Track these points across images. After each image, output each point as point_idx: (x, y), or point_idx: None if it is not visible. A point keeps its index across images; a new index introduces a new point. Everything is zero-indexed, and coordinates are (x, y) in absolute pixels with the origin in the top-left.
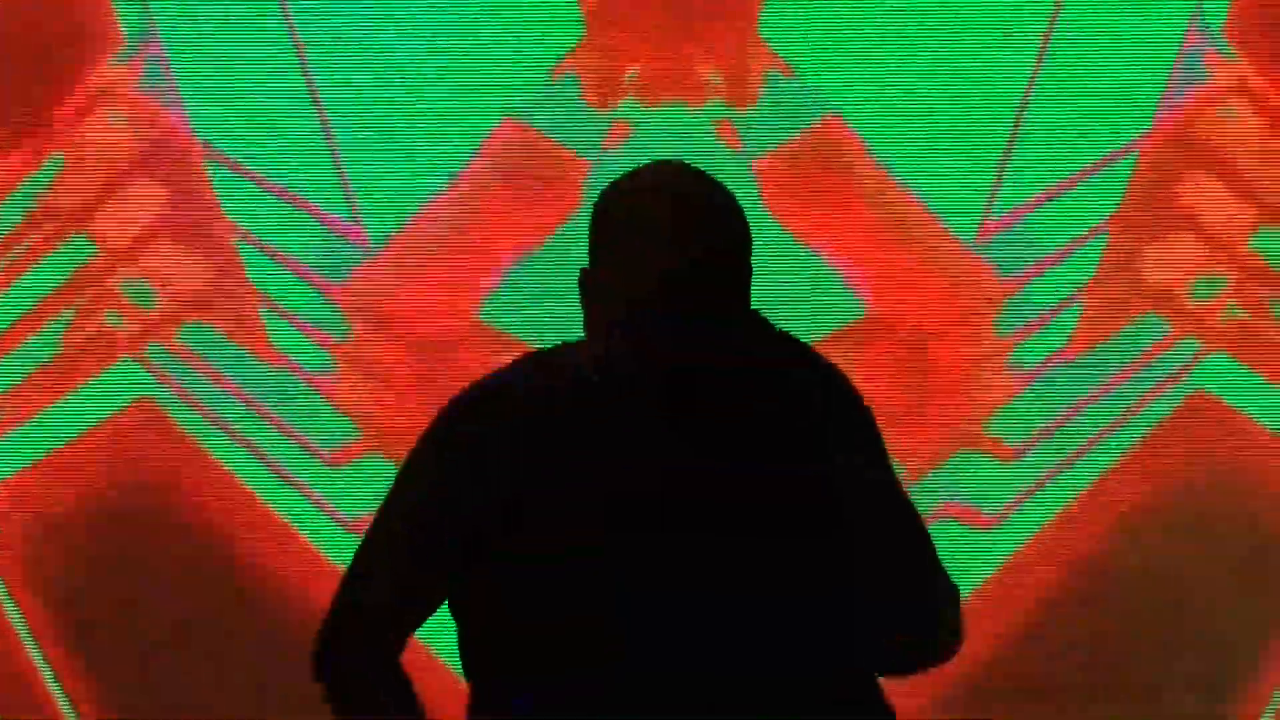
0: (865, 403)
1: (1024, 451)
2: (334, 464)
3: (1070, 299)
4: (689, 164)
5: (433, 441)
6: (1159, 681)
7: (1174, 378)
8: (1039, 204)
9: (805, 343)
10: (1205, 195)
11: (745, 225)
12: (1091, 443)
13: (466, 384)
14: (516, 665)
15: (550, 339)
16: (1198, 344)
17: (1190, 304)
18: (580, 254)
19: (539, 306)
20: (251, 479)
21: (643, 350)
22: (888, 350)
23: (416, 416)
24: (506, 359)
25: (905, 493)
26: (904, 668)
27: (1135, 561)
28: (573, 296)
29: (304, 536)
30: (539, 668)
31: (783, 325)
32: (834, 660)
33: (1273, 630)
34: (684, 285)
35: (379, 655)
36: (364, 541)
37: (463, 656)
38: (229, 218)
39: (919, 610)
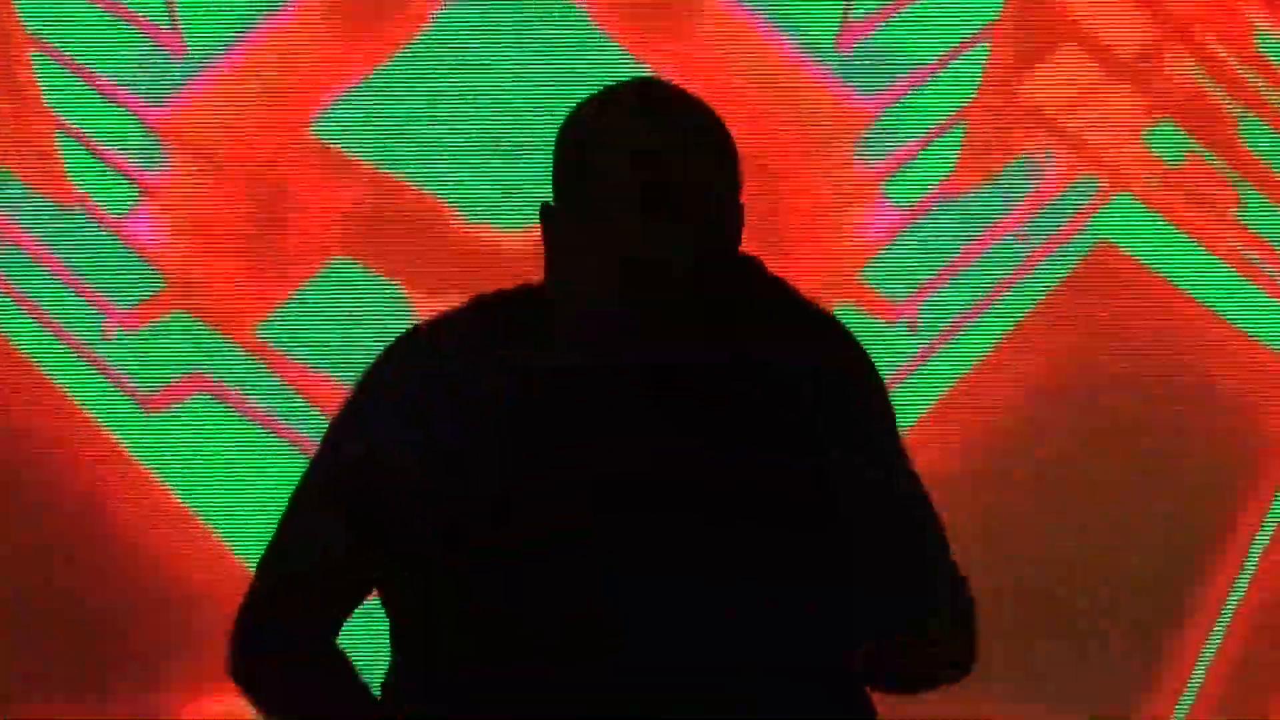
0: (875, 383)
1: (906, 312)
2: (131, 325)
3: (949, 123)
4: (671, 85)
5: (388, 413)
6: (1071, 559)
7: (1073, 224)
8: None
9: (806, 305)
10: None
11: (736, 160)
12: (984, 303)
13: (410, 330)
14: (493, 655)
15: (390, 158)
16: (1097, 182)
17: (1089, 135)
18: (424, 76)
19: (378, 127)
20: (34, 347)
21: (621, 331)
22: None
23: (233, 266)
24: (340, 177)
25: (911, 486)
26: (905, 684)
27: (1038, 445)
28: (416, 117)
29: (89, 413)
30: (521, 656)
31: None
32: (818, 653)
33: (1189, 507)
34: (665, 247)
35: (312, 641)
36: (294, 509)
37: (407, 645)
38: (26, 28)
39: (914, 618)
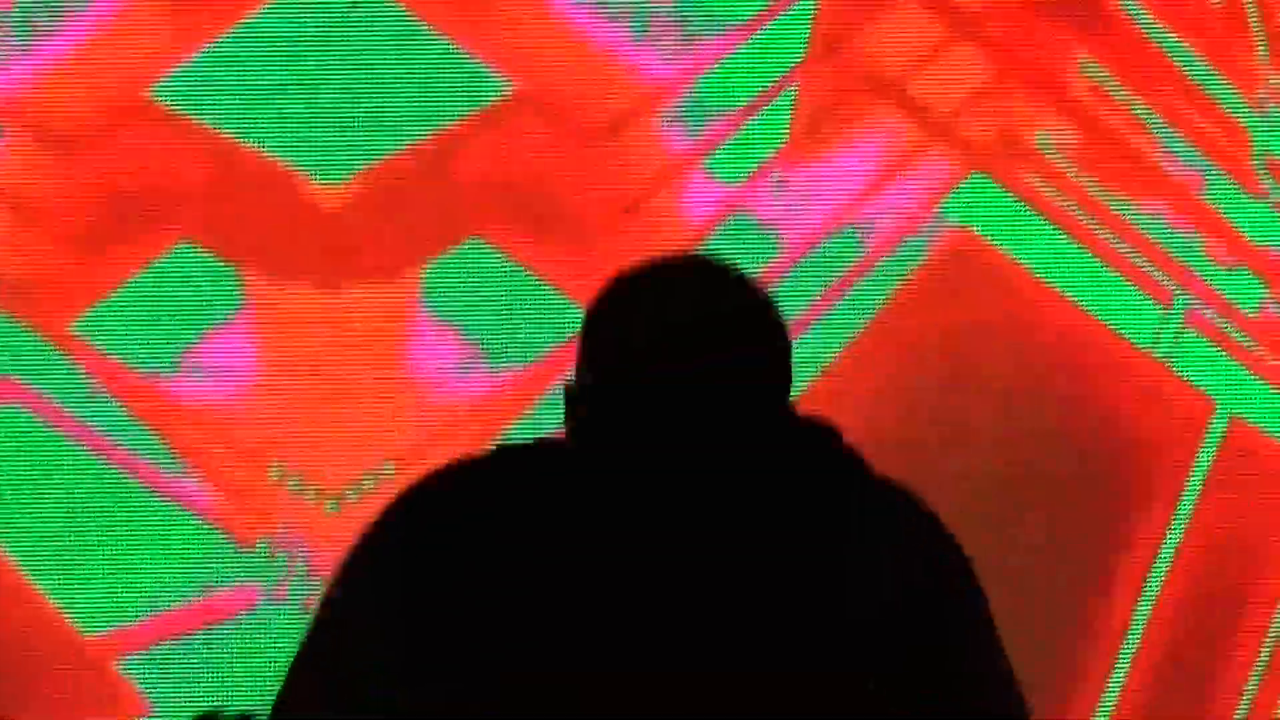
0: (961, 569)
1: None
2: None
3: (774, 89)
4: (712, 259)
5: (401, 577)
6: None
7: (925, 208)
8: None
9: (881, 482)
10: None
11: (780, 333)
12: (831, 295)
13: (423, 476)
14: None
15: (235, 124)
16: (948, 160)
17: (937, 103)
18: (274, 44)
19: (224, 93)
20: None
21: (652, 497)
22: (543, 145)
23: (58, 254)
24: (182, 150)
25: (1000, 703)
26: None
27: (898, 449)
28: (263, 85)
29: None
30: None
31: (417, 110)
32: None
33: (1062, 505)
34: (694, 418)
35: None
36: (297, 679)
37: None
38: None
39: None
